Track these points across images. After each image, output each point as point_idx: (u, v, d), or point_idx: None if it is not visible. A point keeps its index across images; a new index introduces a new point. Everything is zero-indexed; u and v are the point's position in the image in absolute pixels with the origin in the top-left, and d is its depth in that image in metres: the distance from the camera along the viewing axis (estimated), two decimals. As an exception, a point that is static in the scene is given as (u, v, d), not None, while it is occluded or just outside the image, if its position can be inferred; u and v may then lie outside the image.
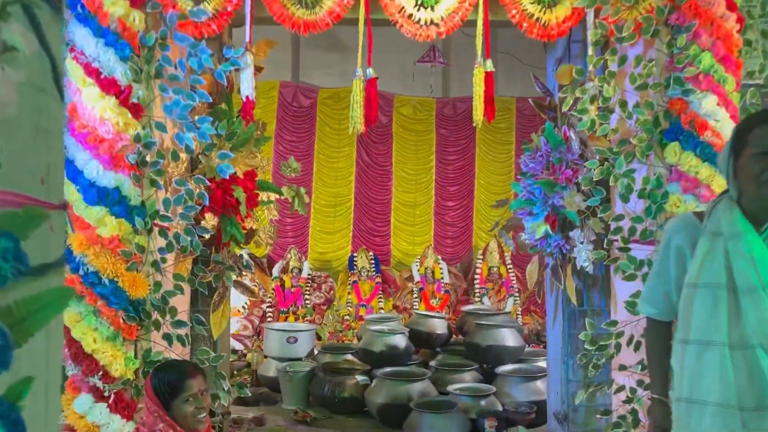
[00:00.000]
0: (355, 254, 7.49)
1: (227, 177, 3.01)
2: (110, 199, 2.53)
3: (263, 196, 3.40)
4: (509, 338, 4.41)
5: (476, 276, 7.31)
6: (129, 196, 2.58)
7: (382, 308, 6.95)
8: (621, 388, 2.73)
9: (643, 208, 2.72)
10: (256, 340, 6.51)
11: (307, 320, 6.71)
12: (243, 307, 6.88)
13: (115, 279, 2.52)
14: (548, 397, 3.52)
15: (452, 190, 8.10)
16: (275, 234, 3.47)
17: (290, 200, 3.62)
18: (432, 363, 4.48)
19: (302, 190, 3.60)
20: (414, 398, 3.83)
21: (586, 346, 2.80)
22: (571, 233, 3.10)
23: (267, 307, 6.84)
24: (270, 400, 4.79)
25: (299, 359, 4.81)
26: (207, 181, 2.83)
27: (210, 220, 3.04)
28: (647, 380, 2.65)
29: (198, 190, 2.80)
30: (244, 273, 3.45)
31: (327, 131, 7.98)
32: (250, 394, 4.27)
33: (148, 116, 2.71)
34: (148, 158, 2.65)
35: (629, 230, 2.76)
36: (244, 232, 3.28)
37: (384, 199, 8.04)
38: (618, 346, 2.73)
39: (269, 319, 6.71)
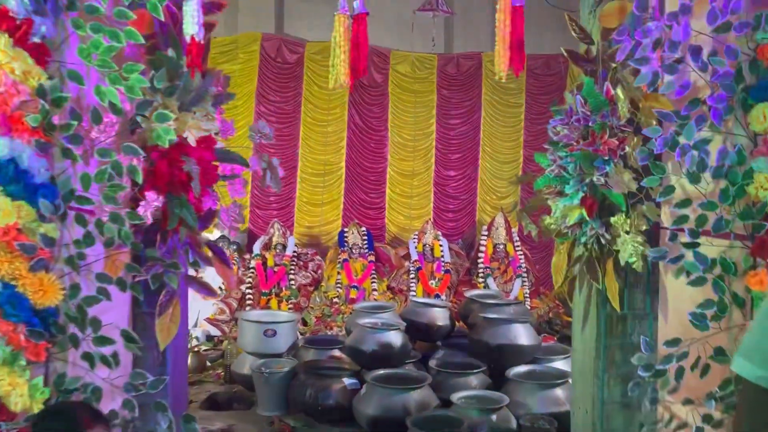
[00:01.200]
0: (346, 229, 6.88)
1: (172, 145, 2.39)
2: (2, 174, 1.91)
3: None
4: (523, 335, 3.86)
5: (480, 254, 6.74)
6: (30, 171, 1.95)
7: (375, 289, 6.40)
8: (682, 426, 2.18)
9: (717, 190, 2.11)
10: (233, 327, 5.96)
11: (291, 303, 6.16)
12: (219, 288, 6.30)
13: (12, 282, 1.92)
14: (573, 414, 2.98)
15: (454, 158, 7.45)
16: (241, 216, 2.85)
17: (260, 173, 3.00)
18: (432, 362, 3.93)
19: (275, 161, 2.97)
20: (411, 410, 3.29)
21: (640, 372, 2.23)
22: (613, 220, 2.50)
23: (246, 288, 6.27)
24: (244, 400, 4.27)
25: (279, 355, 4.26)
26: (141, 151, 2.19)
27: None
28: (717, 415, 2.09)
29: (130, 163, 2.17)
30: (200, 268, 2.85)
31: (315, 91, 7.27)
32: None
33: (58, 62, 2.06)
34: (56, 120, 2.00)
35: (697, 220, 2.16)
36: (200, 214, 2.67)
37: (378, 167, 7.39)
38: (681, 372, 2.16)
39: (249, 302, 6.15)
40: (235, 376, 4.35)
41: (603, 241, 2.55)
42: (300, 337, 4.56)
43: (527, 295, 6.50)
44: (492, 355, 3.86)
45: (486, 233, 6.83)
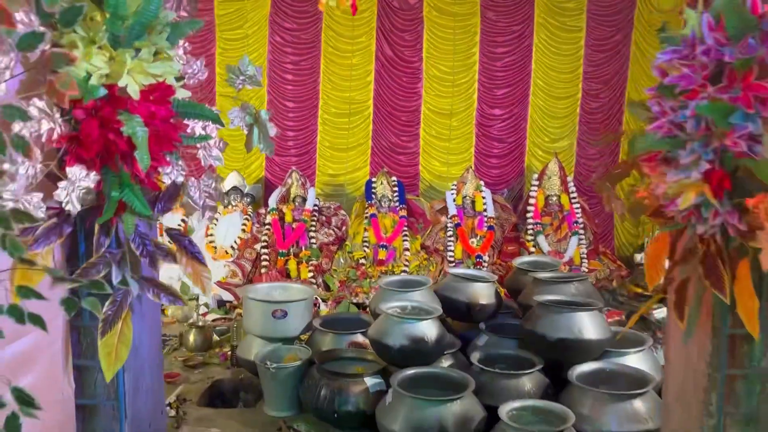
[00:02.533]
0: (374, 179, 6.17)
1: (104, 99, 1.70)
2: None
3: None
4: (590, 327, 3.16)
5: (529, 207, 5.96)
6: None
7: (407, 249, 5.74)
8: None
9: None
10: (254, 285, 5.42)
11: (311, 265, 5.57)
12: (232, 248, 5.76)
13: None
14: (664, 447, 2.30)
15: (500, 93, 6.54)
16: (218, 192, 2.17)
17: (245, 132, 2.30)
18: (475, 355, 3.29)
19: (264, 114, 2.25)
20: (449, 426, 2.68)
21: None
22: (753, 203, 1.72)
23: (262, 248, 5.70)
24: (253, 388, 3.75)
25: (290, 340, 3.69)
26: (44, 105, 1.51)
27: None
28: None
29: (15, 133, 1.49)
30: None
31: (337, 16, 6.38)
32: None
33: None
34: None
35: None
36: (154, 193, 2.00)
37: (411, 106, 6.56)
38: None
39: (264, 263, 5.59)
40: (241, 361, 3.82)
41: (734, 234, 1.78)
42: (317, 316, 3.97)
43: (584, 256, 5.75)
44: (550, 351, 3.18)
45: (537, 182, 6.02)
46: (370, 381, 3.11)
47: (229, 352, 4.19)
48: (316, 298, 5.25)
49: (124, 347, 1.91)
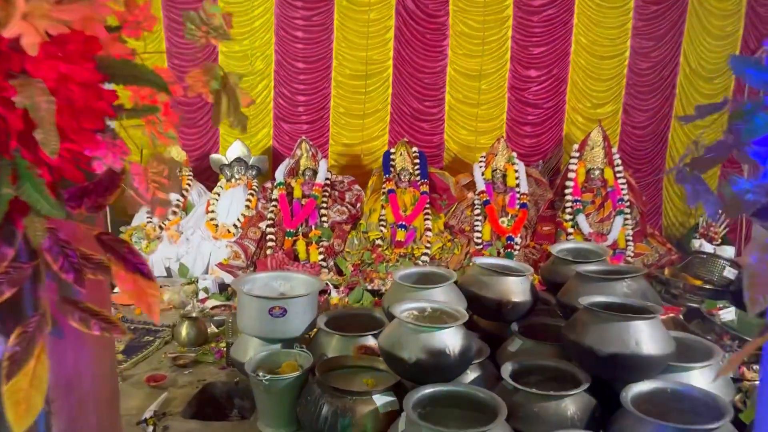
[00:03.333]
0: (393, 150, 5.63)
1: (-20, 54, 1.20)
2: None
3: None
4: (650, 341, 2.63)
5: (568, 182, 5.38)
6: None
7: (429, 229, 5.22)
8: None
9: None
10: (251, 273, 5.00)
11: (322, 246, 5.10)
12: (234, 226, 5.32)
13: None
14: None
15: (537, 52, 5.89)
16: (177, 182, 1.66)
17: (211, 101, 1.77)
18: (506, 369, 2.79)
19: (234, 78, 1.72)
20: (475, 465, 2.21)
21: None
22: None
23: (267, 227, 5.24)
24: (248, 394, 3.32)
25: (291, 341, 3.25)
26: None
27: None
28: None
29: None
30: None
31: (353, -36, 5.77)
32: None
33: None
34: None
35: None
36: (72, 185, 1.51)
37: (435, 67, 5.95)
38: None
39: (270, 244, 5.14)
40: (235, 363, 3.39)
41: None
42: (323, 312, 3.51)
43: (629, 238, 5.17)
44: (599, 368, 2.67)
45: (577, 154, 5.41)
46: (379, 399, 2.64)
47: (224, 349, 3.77)
48: (327, 284, 4.80)
49: (37, 393, 1.45)
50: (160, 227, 5.40)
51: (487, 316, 3.43)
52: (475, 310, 3.36)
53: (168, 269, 5.25)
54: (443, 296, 3.13)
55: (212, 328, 4.30)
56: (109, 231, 2.10)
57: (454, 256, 5.09)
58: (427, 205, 5.34)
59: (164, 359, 3.76)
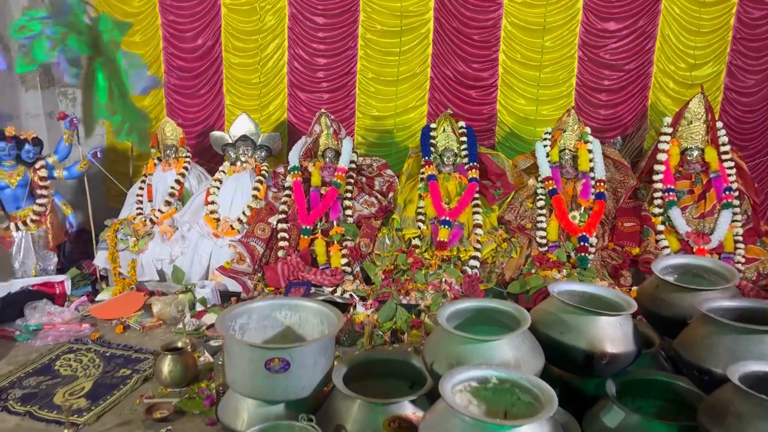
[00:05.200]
0: (434, 125, 4.69)
1: None
2: None
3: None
4: None
5: (658, 167, 4.35)
6: None
7: (479, 226, 4.30)
8: None
9: None
10: (259, 280, 4.20)
11: (345, 248, 4.23)
12: (239, 221, 4.50)
13: None
14: None
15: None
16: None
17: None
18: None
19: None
20: None
21: None
22: None
23: (279, 222, 4.40)
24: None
25: (297, 404, 2.43)
26: None
27: None
28: None
29: None
30: None
31: None
32: None
33: None
34: None
35: None
36: None
37: (487, 19, 4.94)
38: None
39: (282, 243, 4.30)
40: (224, 427, 2.59)
41: None
42: (340, 358, 2.67)
43: (738, 238, 4.14)
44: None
45: (669, 130, 4.37)
46: None
47: (219, 390, 2.98)
48: (351, 295, 3.97)
49: None
50: (151, 221, 4.61)
51: (571, 370, 2.54)
52: (555, 361, 2.49)
53: (161, 272, 4.48)
54: (512, 350, 2.26)
55: (206, 357, 3.53)
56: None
57: (511, 260, 4.18)
58: (477, 196, 4.40)
59: (135, 409, 2.98)
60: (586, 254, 4.12)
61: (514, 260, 4.19)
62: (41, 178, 4.44)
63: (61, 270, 4.68)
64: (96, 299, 4.37)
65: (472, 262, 4.15)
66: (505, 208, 4.46)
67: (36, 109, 5.37)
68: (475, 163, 4.48)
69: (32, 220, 4.41)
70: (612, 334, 2.41)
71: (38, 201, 4.43)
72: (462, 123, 4.65)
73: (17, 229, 4.37)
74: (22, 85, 5.31)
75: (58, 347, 3.66)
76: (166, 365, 3.17)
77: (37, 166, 4.44)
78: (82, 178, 4.62)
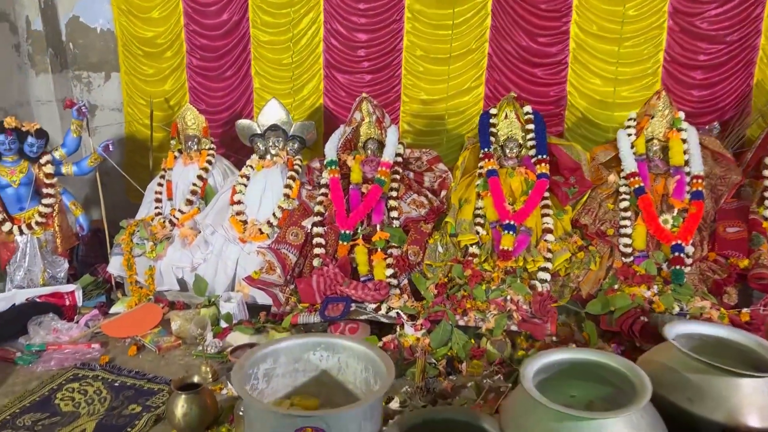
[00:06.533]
0: (494, 109, 4.07)
1: None
2: None
3: None
4: None
5: (768, 159, 3.65)
6: None
7: (548, 231, 3.68)
8: None
9: None
10: (292, 293, 3.69)
11: (391, 256, 3.68)
12: (269, 224, 3.99)
13: None
14: None
15: (718, -45, 4.06)
16: None
17: None
18: None
19: None
20: None
21: None
22: None
23: (314, 226, 3.87)
24: None
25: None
26: None
27: None
28: None
29: None
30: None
31: None
32: None
33: None
34: None
35: None
36: None
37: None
38: None
39: (318, 251, 3.77)
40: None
41: None
42: (394, 418, 2.14)
43: None
44: None
45: (783, 114, 3.66)
46: None
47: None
48: (398, 313, 3.43)
49: None
50: (171, 222, 4.15)
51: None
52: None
53: (182, 281, 4.03)
54: (628, 429, 1.67)
55: (229, 390, 3.04)
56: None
57: (588, 273, 3.57)
58: (547, 195, 3.79)
59: (141, 466, 2.53)
60: (681, 267, 3.47)
61: (593, 273, 3.58)
62: (47, 175, 4.00)
63: (74, 275, 4.27)
64: (109, 312, 3.94)
65: (542, 275, 3.55)
66: (581, 209, 3.83)
67: (47, 95, 4.95)
68: (544, 156, 3.85)
69: (38, 223, 3.98)
70: (761, 403, 1.81)
71: (44, 201, 4.00)
72: (528, 108, 4.03)
73: (21, 232, 3.95)
74: (32, 68, 4.89)
75: (62, 374, 3.23)
76: (180, 407, 2.68)
77: (42, 161, 4.00)
78: (95, 172, 4.20)
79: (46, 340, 3.54)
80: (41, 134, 3.96)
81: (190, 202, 4.22)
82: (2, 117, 4.56)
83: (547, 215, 3.73)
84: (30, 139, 3.92)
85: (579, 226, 3.79)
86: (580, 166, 3.85)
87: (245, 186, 4.12)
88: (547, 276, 3.56)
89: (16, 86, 4.77)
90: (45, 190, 4.01)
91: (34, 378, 3.21)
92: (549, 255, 3.61)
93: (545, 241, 3.65)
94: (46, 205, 4.00)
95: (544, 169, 3.81)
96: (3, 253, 3.98)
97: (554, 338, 3.31)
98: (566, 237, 3.72)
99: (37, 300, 3.84)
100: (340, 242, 3.78)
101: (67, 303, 3.90)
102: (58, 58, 5.01)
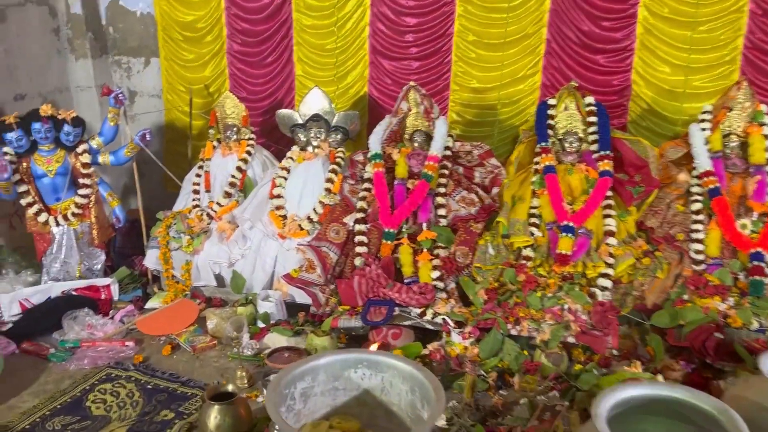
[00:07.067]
0: (552, 101, 3.79)
1: None
2: None
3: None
4: None
5: None
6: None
7: (610, 233, 3.41)
8: None
9: None
10: (331, 293, 3.53)
11: (437, 257, 3.46)
12: (310, 220, 3.82)
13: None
14: None
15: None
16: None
17: None
18: None
19: None
20: None
21: None
22: None
23: (356, 223, 3.68)
24: None
25: None
26: None
27: None
28: None
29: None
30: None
31: None
32: None
33: None
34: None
35: None
36: None
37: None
38: None
39: (360, 250, 3.58)
40: None
41: None
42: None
43: None
44: None
45: None
46: None
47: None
48: (444, 319, 3.23)
49: None
50: (209, 215, 4.02)
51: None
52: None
53: (219, 277, 3.91)
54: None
55: (265, 398, 2.89)
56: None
57: (654, 281, 3.29)
58: (610, 194, 3.50)
59: (172, 481, 2.41)
60: (762, 278, 3.16)
61: (659, 281, 3.29)
62: (84, 165, 3.92)
63: (111, 267, 4.21)
64: (145, 307, 3.86)
65: (603, 282, 3.29)
66: (647, 210, 3.54)
67: (87, 81, 4.89)
68: (608, 152, 3.56)
69: (74, 214, 3.91)
70: None
71: (80, 192, 3.92)
72: (590, 99, 3.74)
73: (57, 224, 3.89)
74: (72, 53, 4.82)
75: (95, 373, 3.15)
76: (213, 418, 2.54)
77: (78, 150, 3.91)
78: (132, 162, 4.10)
79: (80, 336, 3.48)
80: (78, 122, 3.87)
81: (228, 195, 4.09)
82: (41, 104, 4.52)
83: (610, 216, 3.45)
84: (66, 128, 3.83)
85: (645, 229, 3.49)
86: (646, 164, 3.54)
87: (285, 179, 3.96)
88: (608, 283, 3.29)
89: (56, 72, 4.71)
90: (81, 180, 3.93)
91: (66, 376, 3.14)
92: (611, 260, 3.34)
93: (607, 244, 3.37)
94: (82, 196, 3.92)
95: (607, 166, 3.52)
96: (39, 244, 3.93)
97: (615, 352, 3.06)
98: (630, 241, 3.43)
99: (73, 293, 3.78)
100: (384, 241, 3.58)
101: (103, 297, 3.83)
102: (97, 43, 4.93)
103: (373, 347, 3.01)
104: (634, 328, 3.24)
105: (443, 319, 3.25)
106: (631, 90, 4.08)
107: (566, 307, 3.15)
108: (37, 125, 3.76)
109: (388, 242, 3.57)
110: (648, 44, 3.98)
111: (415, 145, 3.85)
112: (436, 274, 3.43)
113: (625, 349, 3.10)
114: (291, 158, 4.03)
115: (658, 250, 3.39)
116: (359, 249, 3.60)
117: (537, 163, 3.65)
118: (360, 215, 3.69)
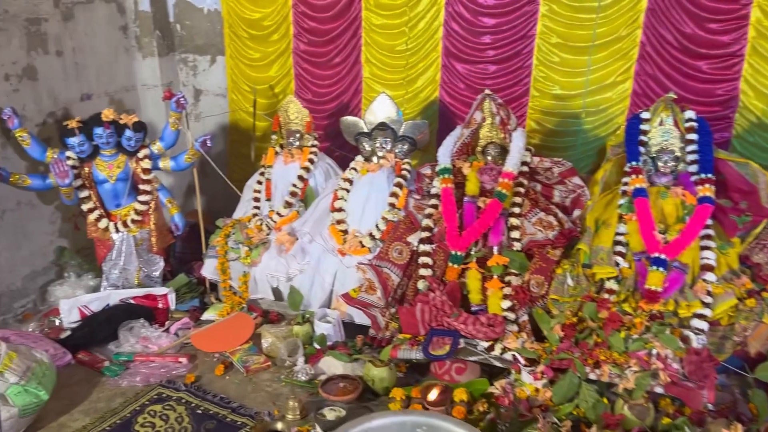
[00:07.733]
0: (646, 114, 3.41)
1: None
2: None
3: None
4: None
5: None
6: None
7: (708, 268, 3.03)
8: None
9: None
10: (392, 318, 3.33)
11: (509, 286, 3.19)
12: (372, 237, 3.63)
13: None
14: None
15: None
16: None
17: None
18: None
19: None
20: None
21: None
22: None
23: (421, 243, 3.45)
24: None
25: None
26: None
27: None
28: None
29: None
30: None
31: None
32: None
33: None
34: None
35: None
36: None
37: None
38: None
39: (423, 272, 3.36)
40: None
41: None
42: None
43: None
44: None
45: None
46: None
47: None
48: (515, 357, 2.97)
49: None
50: (268, 226, 3.90)
51: None
52: None
53: (276, 291, 3.78)
54: None
55: (317, 434, 2.74)
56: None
57: (760, 326, 2.91)
58: (710, 223, 3.12)
59: None
60: None
61: (766, 327, 2.90)
62: (144, 170, 3.86)
63: (171, 272, 4.16)
64: (201, 318, 3.78)
65: (698, 324, 2.93)
66: (753, 244, 3.13)
67: (153, 80, 4.85)
68: (709, 175, 3.18)
69: (133, 221, 3.87)
70: None
71: (140, 198, 3.88)
72: (690, 113, 3.34)
73: (117, 230, 3.86)
74: (139, 51, 4.79)
75: (146, 392, 3.09)
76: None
77: (140, 155, 3.86)
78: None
79: (135, 348, 3.43)
80: (139, 127, 3.82)
81: (289, 205, 3.95)
82: (108, 103, 4.51)
83: (709, 248, 3.07)
84: (128, 132, 3.78)
85: (750, 265, 3.09)
86: (755, 189, 3.13)
87: (347, 191, 3.77)
88: (704, 325, 2.93)
89: (123, 70, 4.69)
90: (142, 186, 3.88)
91: (118, 393, 3.09)
92: (708, 299, 2.97)
93: (704, 281, 3.00)
94: (142, 202, 3.88)
95: (708, 191, 3.13)
96: (99, 249, 3.92)
97: (711, 407, 2.72)
98: (732, 277, 3.04)
99: (131, 302, 3.75)
100: (450, 264, 3.34)
101: (160, 306, 3.78)
102: (164, 41, 4.88)
103: (433, 395, 2.79)
104: (732, 377, 2.88)
105: (513, 355, 2.99)
106: (739, 100, 3.65)
107: (654, 352, 2.82)
108: (99, 130, 3.73)
109: (455, 266, 3.32)
110: (761, 49, 3.54)
111: (489, 159, 3.58)
112: (506, 304, 3.16)
113: (723, 404, 2.76)
114: (354, 169, 3.84)
115: (765, 290, 2.99)
116: (423, 272, 3.37)
117: (626, 184, 3.30)
118: (425, 234, 3.46)
